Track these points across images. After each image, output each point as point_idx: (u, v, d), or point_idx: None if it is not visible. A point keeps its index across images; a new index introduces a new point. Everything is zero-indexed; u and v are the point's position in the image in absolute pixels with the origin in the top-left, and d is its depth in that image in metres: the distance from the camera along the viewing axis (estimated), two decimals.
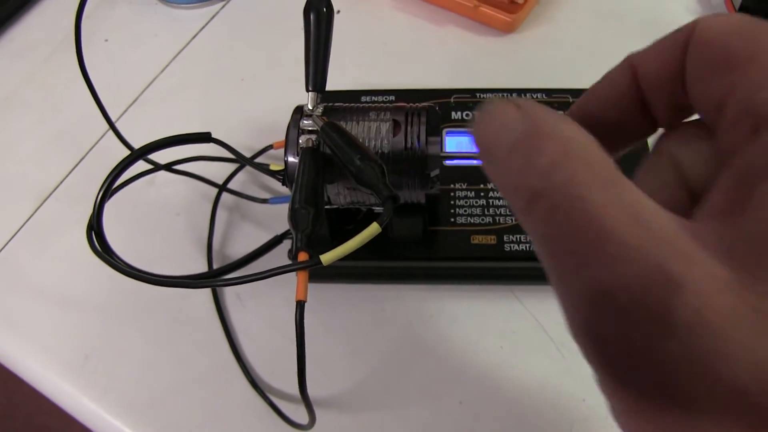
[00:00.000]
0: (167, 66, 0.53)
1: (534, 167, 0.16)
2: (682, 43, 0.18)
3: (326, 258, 0.28)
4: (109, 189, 0.34)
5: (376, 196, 0.29)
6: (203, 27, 0.55)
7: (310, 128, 0.33)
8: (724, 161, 0.16)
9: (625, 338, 0.14)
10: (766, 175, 0.14)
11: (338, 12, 0.54)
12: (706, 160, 0.18)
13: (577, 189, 0.15)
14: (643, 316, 0.13)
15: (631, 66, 0.20)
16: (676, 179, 0.19)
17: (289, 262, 0.38)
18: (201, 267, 0.42)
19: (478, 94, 0.42)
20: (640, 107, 0.20)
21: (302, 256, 0.28)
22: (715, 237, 0.14)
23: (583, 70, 0.49)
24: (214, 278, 0.36)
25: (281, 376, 0.39)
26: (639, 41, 0.53)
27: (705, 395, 0.13)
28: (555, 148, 0.16)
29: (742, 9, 0.49)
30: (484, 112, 0.18)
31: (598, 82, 0.21)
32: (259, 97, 0.50)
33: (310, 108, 0.33)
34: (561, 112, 0.17)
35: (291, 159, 0.33)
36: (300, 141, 0.33)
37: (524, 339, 0.38)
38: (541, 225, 0.16)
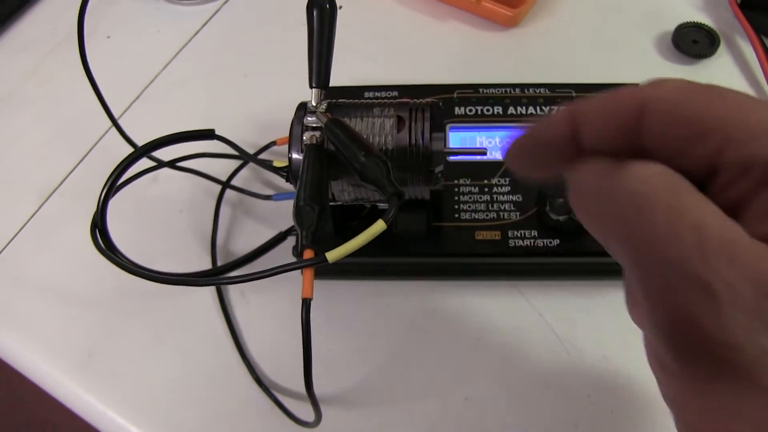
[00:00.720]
0: (170, 62, 0.53)
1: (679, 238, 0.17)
2: (632, 114, 0.20)
3: (332, 255, 0.28)
4: (112, 187, 0.34)
5: (380, 192, 0.29)
6: (206, 23, 0.55)
7: (314, 125, 0.33)
8: (735, 205, 0.18)
9: (723, 331, 0.16)
10: None
11: (341, 7, 0.53)
12: None
13: (675, 196, 0.18)
14: (740, 314, 0.16)
15: (573, 118, 0.22)
16: None
17: (293, 258, 0.38)
18: (205, 264, 0.42)
19: (481, 89, 0.42)
20: (572, 148, 0.22)
21: (308, 254, 0.28)
22: None
23: (587, 64, 0.50)
24: (218, 276, 0.36)
25: (286, 374, 0.39)
26: (642, 34, 0.53)
27: None
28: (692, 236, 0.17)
29: (744, 2, 0.49)
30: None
31: (539, 125, 0.23)
32: (262, 93, 0.50)
33: (314, 104, 0.33)
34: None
35: (295, 156, 0.33)
36: (304, 138, 0.32)
37: (529, 335, 0.38)
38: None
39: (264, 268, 0.29)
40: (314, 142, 0.32)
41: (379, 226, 0.28)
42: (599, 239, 0.20)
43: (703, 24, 0.49)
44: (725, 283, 0.16)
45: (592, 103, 0.21)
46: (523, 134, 0.23)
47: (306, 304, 0.27)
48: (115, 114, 0.42)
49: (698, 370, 0.17)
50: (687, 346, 0.17)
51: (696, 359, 0.17)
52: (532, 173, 0.24)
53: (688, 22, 0.49)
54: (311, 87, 0.33)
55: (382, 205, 0.37)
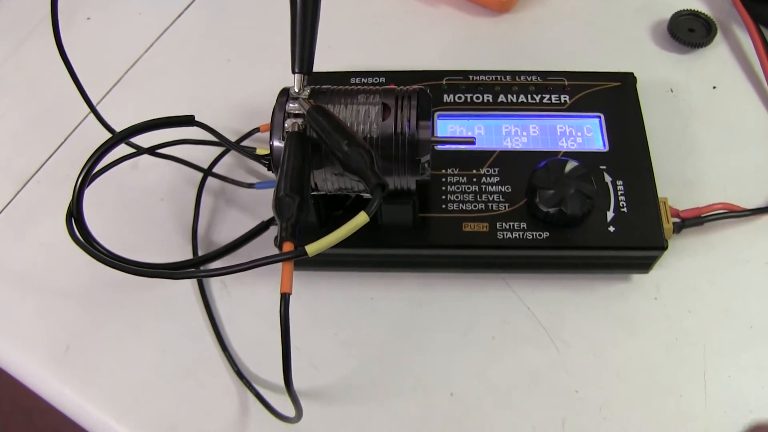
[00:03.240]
0: (152, 45, 0.51)
1: None
2: None
3: (312, 249, 0.27)
4: (88, 175, 0.33)
5: (364, 183, 0.28)
6: (189, 5, 0.53)
7: (296, 112, 0.31)
8: None
9: None
10: None
11: None
12: None
13: None
14: None
15: None
16: None
17: (275, 249, 0.37)
18: (186, 253, 0.41)
19: (471, 77, 0.41)
20: None
21: (287, 247, 0.27)
22: None
23: (580, 51, 0.49)
24: (196, 268, 0.35)
25: (268, 367, 0.38)
26: (636, 22, 0.52)
27: None
28: None
29: None
30: None
31: None
32: (246, 78, 0.49)
33: (296, 91, 0.32)
34: None
35: (276, 143, 0.32)
36: (285, 125, 0.31)
37: (517, 329, 0.38)
38: None
39: (245, 258, 0.28)
40: (296, 129, 0.31)
41: (362, 218, 0.27)
42: None
43: (700, 12, 0.48)
44: None
45: None
46: None
47: (285, 299, 0.26)
48: (95, 99, 0.41)
49: None
50: None
51: None
52: None
53: (684, 10, 0.48)
54: (294, 72, 0.32)
55: (366, 195, 0.36)
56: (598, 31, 0.49)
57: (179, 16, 0.53)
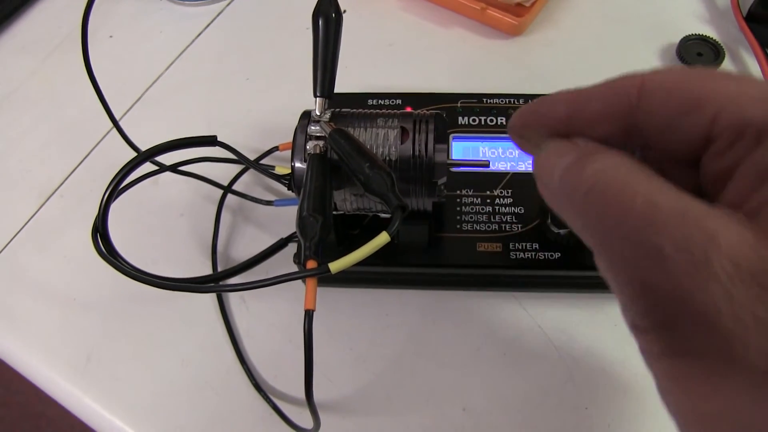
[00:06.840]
0: (172, 63, 0.53)
1: (587, 172, 0.20)
2: (632, 94, 0.22)
3: (335, 267, 0.28)
4: (114, 192, 0.34)
5: (385, 204, 0.29)
6: (209, 24, 0.55)
7: (317, 134, 0.32)
8: (726, 171, 0.20)
9: (672, 283, 0.17)
10: None
11: (344, 11, 0.54)
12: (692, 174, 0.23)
13: (627, 182, 0.19)
14: (687, 265, 0.17)
15: (574, 101, 0.24)
16: None
17: (294, 265, 0.38)
18: (205, 268, 0.42)
19: (484, 99, 0.42)
20: (562, 127, 0.24)
21: (311, 264, 0.28)
22: (736, 217, 0.18)
23: (590, 73, 0.49)
24: (220, 282, 0.36)
25: (285, 379, 0.39)
26: (645, 46, 0.53)
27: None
28: (608, 161, 0.20)
29: (750, 16, 0.49)
30: (545, 150, 0.23)
31: (542, 101, 0.25)
32: (265, 97, 0.50)
33: (318, 114, 0.33)
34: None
35: (298, 164, 0.33)
36: (307, 147, 0.32)
37: (528, 346, 0.38)
38: (594, 215, 0.20)
39: (264, 274, 0.29)
40: (318, 151, 0.32)
41: (383, 238, 0.28)
42: (563, 218, 0.22)
43: (708, 37, 0.49)
44: (676, 246, 0.17)
45: (595, 88, 0.23)
46: (528, 107, 0.25)
47: (309, 315, 0.27)
48: (117, 115, 0.42)
49: (667, 331, 0.18)
50: (649, 305, 0.18)
51: (662, 320, 0.18)
52: (523, 146, 0.26)
53: (692, 35, 0.49)
54: (315, 96, 0.33)
55: (383, 215, 0.37)
56: (608, 54, 0.50)
57: (199, 34, 0.54)
